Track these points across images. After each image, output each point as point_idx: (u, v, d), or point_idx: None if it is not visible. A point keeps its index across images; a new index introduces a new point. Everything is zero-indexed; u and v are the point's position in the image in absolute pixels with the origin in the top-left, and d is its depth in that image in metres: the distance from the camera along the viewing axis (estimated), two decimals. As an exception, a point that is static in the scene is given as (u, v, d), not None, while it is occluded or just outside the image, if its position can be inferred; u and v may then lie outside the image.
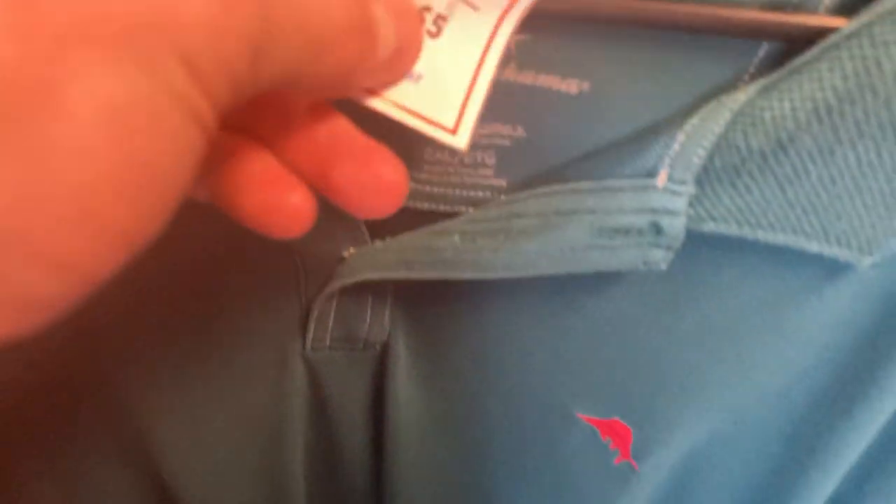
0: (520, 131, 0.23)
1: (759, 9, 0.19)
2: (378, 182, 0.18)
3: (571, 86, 0.22)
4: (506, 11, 0.18)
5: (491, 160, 0.24)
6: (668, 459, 0.28)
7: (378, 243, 0.25)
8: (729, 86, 0.21)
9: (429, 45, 0.18)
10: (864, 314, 0.24)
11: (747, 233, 0.22)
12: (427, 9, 0.18)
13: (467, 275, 0.23)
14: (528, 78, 0.22)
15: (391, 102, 0.19)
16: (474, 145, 0.23)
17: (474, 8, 0.18)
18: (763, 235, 0.22)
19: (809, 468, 0.28)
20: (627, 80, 0.21)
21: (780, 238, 0.22)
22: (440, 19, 0.18)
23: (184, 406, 0.29)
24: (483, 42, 0.18)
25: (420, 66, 0.19)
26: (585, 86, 0.21)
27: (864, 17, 0.18)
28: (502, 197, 0.25)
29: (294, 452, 0.30)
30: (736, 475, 0.29)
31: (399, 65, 0.18)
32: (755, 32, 0.19)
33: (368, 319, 0.27)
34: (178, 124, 0.12)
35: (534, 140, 0.23)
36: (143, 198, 0.12)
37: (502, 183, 0.25)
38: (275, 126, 0.19)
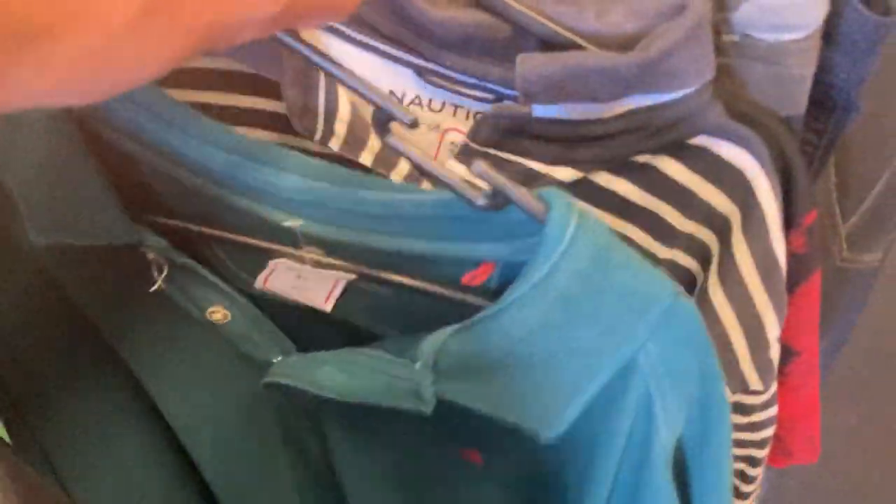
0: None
1: (453, 290, 0.33)
2: None
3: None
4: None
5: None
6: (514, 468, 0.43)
7: (293, 357, 0.41)
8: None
9: None
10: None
11: (469, 404, 0.35)
12: None
13: (327, 394, 0.39)
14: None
15: None
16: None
17: None
18: (478, 407, 0.35)
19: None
20: (401, 322, 0.36)
21: (490, 411, 0.35)
22: None
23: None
24: None
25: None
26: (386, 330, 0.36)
27: (489, 310, 0.31)
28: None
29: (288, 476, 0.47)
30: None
31: None
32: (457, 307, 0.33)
33: (300, 399, 0.43)
34: None
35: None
36: None
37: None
38: None
